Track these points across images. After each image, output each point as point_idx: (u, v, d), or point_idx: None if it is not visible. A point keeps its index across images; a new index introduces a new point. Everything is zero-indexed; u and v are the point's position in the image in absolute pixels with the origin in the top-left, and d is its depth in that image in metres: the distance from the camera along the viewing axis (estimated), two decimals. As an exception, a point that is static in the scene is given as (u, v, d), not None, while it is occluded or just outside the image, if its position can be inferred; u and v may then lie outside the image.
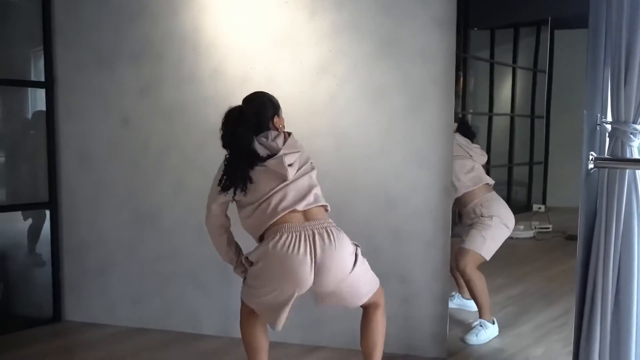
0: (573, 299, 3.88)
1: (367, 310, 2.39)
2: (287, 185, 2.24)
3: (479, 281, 3.18)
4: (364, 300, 2.34)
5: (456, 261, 3.10)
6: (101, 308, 3.57)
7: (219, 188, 2.30)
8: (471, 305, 3.50)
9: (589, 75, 2.54)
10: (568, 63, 4.10)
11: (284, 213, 2.21)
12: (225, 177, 2.31)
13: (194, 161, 3.33)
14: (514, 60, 3.78)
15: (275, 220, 2.21)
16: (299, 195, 2.25)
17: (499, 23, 3.48)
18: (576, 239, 4.55)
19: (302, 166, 2.31)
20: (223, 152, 3.27)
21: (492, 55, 3.56)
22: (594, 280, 2.62)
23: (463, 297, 3.49)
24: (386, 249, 3.02)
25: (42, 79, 3.52)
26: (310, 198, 2.26)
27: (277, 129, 2.36)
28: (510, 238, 4.77)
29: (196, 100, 3.30)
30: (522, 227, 4.90)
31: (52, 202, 3.56)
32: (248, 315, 2.37)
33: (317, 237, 2.18)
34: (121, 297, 3.52)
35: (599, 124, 2.58)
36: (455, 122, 2.97)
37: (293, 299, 2.22)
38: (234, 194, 2.28)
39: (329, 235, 2.20)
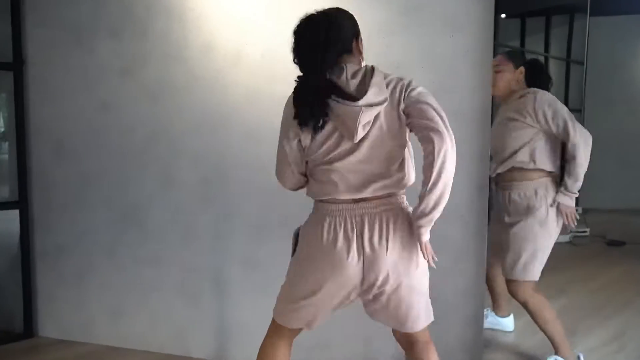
0: (627, 316, 3.37)
1: (419, 344, 1.87)
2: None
3: (544, 309, 2.62)
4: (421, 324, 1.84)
5: (508, 289, 2.61)
6: (78, 323, 3.12)
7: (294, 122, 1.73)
8: (507, 324, 2.99)
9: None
10: (604, 53, 3.83)
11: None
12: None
13: (184, 151, 2.86)
14: (546, 50, 3.54)
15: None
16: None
17: (529, 9, 3.33)
18: (618, 245, 4.07)
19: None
20: (217, 140, 2.85)
21: (522, 44, 3.39)
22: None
23: (497, 314, 2.97)
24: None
25: (10, 59, 3.07)
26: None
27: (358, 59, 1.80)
28: None
29: (185, 80, 2.84)
30: None
31: (22, 201, 3.11)
32: (274, 332, 1.90)
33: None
34: (100, 310, 3.07)
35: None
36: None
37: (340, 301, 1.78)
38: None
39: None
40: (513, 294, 2.62)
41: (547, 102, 2.56)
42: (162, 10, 2.84)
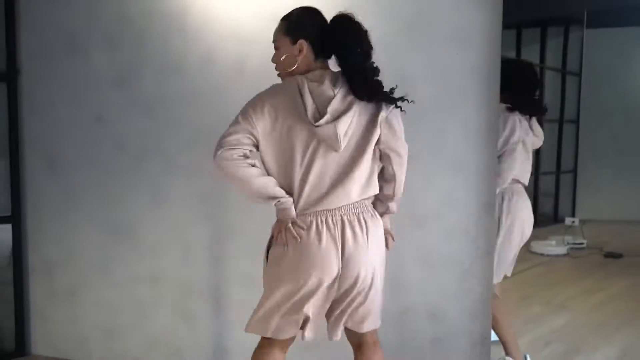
0: (631, 334, 3.33)
1: (369, 346, 1.95)
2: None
3: (498, 312, 2.63)
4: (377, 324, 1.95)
5: None
6: (71, 340, 3.03)
7: None
8: None
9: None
10: (600, 64, 3.84)
11: None
12: None
13: (179, 166, 2.79)
14: (542, 61, 3.55)
15: None
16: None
17: (525, 21, 3.34)
18: (616, 257, 4.03)
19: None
20: (211, 157, 2.77)
21: (518, 55, 3.36)
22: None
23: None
24: (412, 277, 2.45)
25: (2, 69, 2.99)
26: None
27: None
28: (542, 255, 4.30)
29: (182, 93, 2.76)
30: (553, 242, 4.42)
31: (15, 215, 3.02)
32: (265, 347, 1.93)
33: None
34: (94, 328, 2.98)
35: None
36: None
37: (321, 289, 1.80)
38: None
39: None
40: None
41: None
42: (160, 20, 2.77)
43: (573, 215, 4.23)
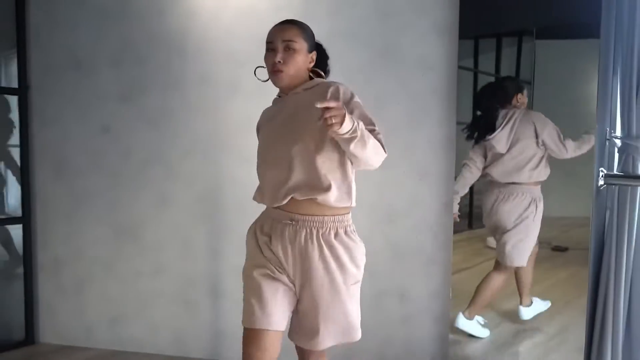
0: (569, 316, 3.83)
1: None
2: None
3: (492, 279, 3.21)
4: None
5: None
6: (78, 329, 3.34)
7: None
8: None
9: (600, 88, 2.46)
10: (550, 74, 4.10)
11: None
12: None
13: (179, 172, 3.15)
14: (497, 70, 3.70)
15: None
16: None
17: (482, 32, 3.43)
18: (562, 250, 4.54)
19: None
20: (210, 164, 3.13)
21: (475, 64, 3.50)
22: (604, 297, 2.55)
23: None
24: (385, 265, 2.89)
25: (14, 84, 3.28)
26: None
27: None
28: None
29: (182, 107, 3.12)
30: None
31: (26, 216, 3.32)
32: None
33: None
34: (100, 317, 3.31)
35: (608, 139, 2.49)
36: None
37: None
38: None
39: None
40: None
41: None
42: (162, 41, 3.12)
43: None
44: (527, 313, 3.33)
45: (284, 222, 1.86)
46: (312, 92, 1.87)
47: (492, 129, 2.95)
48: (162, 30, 3.11)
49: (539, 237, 4.75)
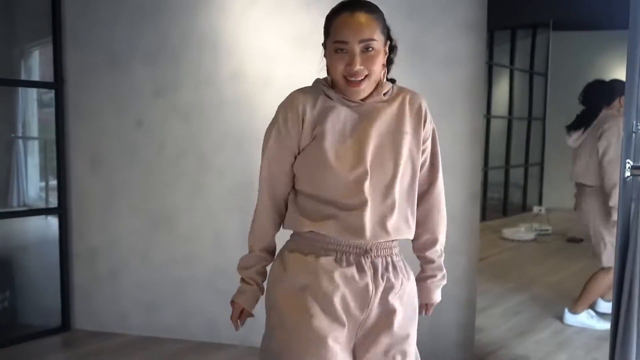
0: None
1: None
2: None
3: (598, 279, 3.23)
4: None
5: None
6: (113, 316, 3.46)
7: None
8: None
9: (627, 80, 2.52)
10: (565, 65, 4.11)
11: None
12: None
13: (211, 164, 3.26)
14: (511, 62, 3.81)
15: None
16: None
17: (497, 25, 3.38)
18: (577, 242, 4.59)
19: None
20: (242, 157, 3.22)
21: (490, 57, 3.50)
22: (629, 290, 2.62)
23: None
24: (409, 253, 2.99)
25: (51, 79, 3.40)
26: None
27: None
28: (511, 241, 4.80)
29: (214, 103, 3.23)
30: (522, 228, 4.92)
31: (62, 207, 3.45)
32: None
33: None
34: (134, 304, 3.43)
35: (634, 132, 2.58)
36: None
37: None
38: None
39: None
40: None
41: None
42: (195, 38, 3.23)
43: (540, 204, 4.64)
44: (570, 320, 3.27)
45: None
46: (400, 105, 1.58)
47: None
48: (194, 27, 3.22)
49: (552, 229, 4.79)
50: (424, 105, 1.65)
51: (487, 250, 3.61)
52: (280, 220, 1.64)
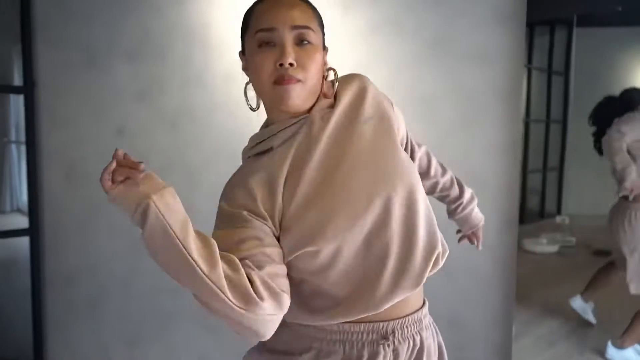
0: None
1: None
2: None
3: None
4: None
5: None
6: (91, 350, 3.05)
7: None
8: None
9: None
10: (585, 63, 3.86)
11: None
12: None
13: (201, 180, 2.83)
14: (529, 61, 3.57)
15: None
16: None
17: None
18: (604, 255, 4.20)
19: None
20: (233, 169, 2.81)
21: None
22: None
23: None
24: (435, 286, 2.54)
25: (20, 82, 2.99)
26: None
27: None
28: (533, 254, 4.40)
29: (205, 107, 2.80)
30: (545, 240, 4.49)
31: (33, 227, 3.03)
32: None
33: None
34: (115, 337, 3.01)
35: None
36: None
37: None
38: None
39: None
40: None
41: None
42: (182, 34, 2.81)
43: (559, 211, 4.33)
44: (615, 355, 2.98)
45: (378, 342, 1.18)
46: (356, 103, 1.22)
47: None
48: (182, 21, 2.79)
49: (577, 241, 4.40)
50: (395, 107, 1.32)
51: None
52: None
